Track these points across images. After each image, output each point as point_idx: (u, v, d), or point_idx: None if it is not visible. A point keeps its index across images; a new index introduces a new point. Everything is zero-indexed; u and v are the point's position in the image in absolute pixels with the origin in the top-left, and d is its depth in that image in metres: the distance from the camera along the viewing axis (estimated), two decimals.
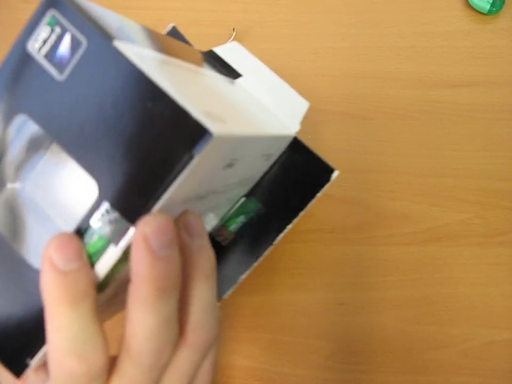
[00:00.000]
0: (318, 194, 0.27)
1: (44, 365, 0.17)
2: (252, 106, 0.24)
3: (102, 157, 0.14)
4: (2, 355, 0.16)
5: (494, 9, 0.41)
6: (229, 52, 0.29)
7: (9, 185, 0.16)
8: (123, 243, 0.14)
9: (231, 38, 0.41)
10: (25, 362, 0.16)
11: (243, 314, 0.34)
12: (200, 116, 0.13)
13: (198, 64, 0.23)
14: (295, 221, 0.27)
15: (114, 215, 0.14)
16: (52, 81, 0.15)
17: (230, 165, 0.17)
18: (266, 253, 0.27)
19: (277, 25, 0.42)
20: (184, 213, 0.16)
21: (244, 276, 0.28)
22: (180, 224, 0.16)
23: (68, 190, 0.15)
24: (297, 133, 0.27)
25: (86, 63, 0.14)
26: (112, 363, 0.16)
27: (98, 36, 0.14)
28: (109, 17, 0.16)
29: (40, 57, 0.15)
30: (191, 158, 0.13)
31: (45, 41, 0.14)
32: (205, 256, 0.16)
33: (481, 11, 0.42)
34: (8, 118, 0.15)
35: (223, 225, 0.27)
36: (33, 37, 0.15)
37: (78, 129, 0.14)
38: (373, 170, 0.38)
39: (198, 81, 0.19)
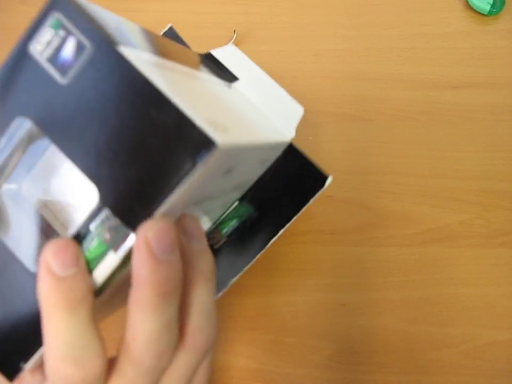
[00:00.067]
0: (311, 201, 0.27)
1: (40, 366, 0.17)
2: (250, 112, 0.24)
3: (104, 163, 0.14)
4: None
5: (494, 10, 0.41)
6: (226, 54, 0.29)
7: (5, 186, 0.16)
8: (123, 249, 0.14)
9: (232, 40, 0.41)
10: (18, 366, 0.16)
11: (245, 316, 0.34)
12: (205, 126, 0.13)
13: (195, 66, 0.23)
14: (287, 226, 0.27)
15: (115, 221, 0.14)
16: (54, 85, 0.14)
17: (228, 172, 0.17)
18: (257, 257, 0.27)
19: (278, 27, 0.42)
20: (183, 216, 0.16)
21: (234, 279, 0.28)
22: (179, 227, 0.16)
23: (65, 193, 0.15)
24: (292, 138, 0.27)
25: (89, 68, 0.14)
26: (110, 364, 0.16)
27: (103, 41, 0.14)
28: (108, 18, 0.16)
29: (42, 60, 0.14)
30: (193, 167, 0.13)
31: (48, 44, 0.14)
32: (204, 259, 0.16)
33: (481, 12, 0.42)
34: (8, 120, 0.15)
35: (215, 228, 0.27)
36: (36, 39, 0.14)
37: (79, 134, 0.14)
38: (374, 172, 0.38)
39: (199, 86, 0.19)
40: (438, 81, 0.40)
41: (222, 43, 0.41)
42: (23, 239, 0.16)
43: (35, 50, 0.14)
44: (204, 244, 0.16)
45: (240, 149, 0.16)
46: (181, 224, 0.16)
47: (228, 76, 0.28)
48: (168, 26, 0.31)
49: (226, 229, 0.27)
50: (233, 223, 0.27)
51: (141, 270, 0.14)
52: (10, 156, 0.15)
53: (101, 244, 0.15)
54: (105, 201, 0.14)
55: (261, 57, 0.41)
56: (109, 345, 0.16)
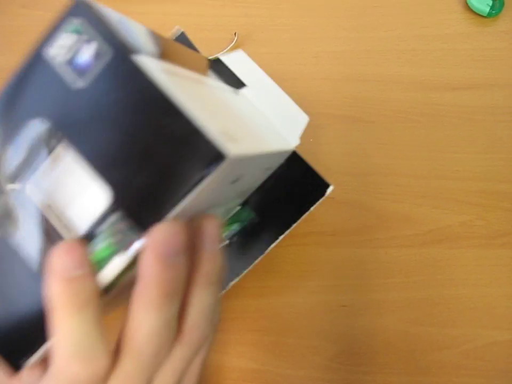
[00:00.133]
0: (312, 208, 0.27)
1: (39, 364, 0.17)
2: (256, 119, 0.24)
3: (117, 166, 0.14)
4: (2, 351, 0.16)
5: (493, 12, 0.41)
6: (234, 60, 0.30)
7: (9, 186, 0.16)
8: (131, 252, 0.15)
9: (233, 43, 0.41)
10: (18, 363, 0.16)
11: (246, 317, 0.35)
12: (216, 137, 0.14)
13: (204, 72, 0.23)
14: (287, 232, 0.27)
15: (125, 224, 0.15)
16: (69, 88, 0.15)
17: (236, 181, 0.18)
18: (257, 261, 0.27)
19: (278, 30, 0.42)
20: (202, 217, 0.16)
21: (233, 282, 0.28)
22: (195, 227, 0.16)
23: (69, 195, 0.15)
24: (296, 147, 0.27)
25: (107, 73, 0.14)
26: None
27: (121, 48, 0.14)
28: (121, 22, 0.16)
29: (58, 63, 0.15)
30: (204, 176, 0.14)
31: (66, 48, 0.15)
32: (212, 262, 0.16)
33: (480, 14, 0.42)
34: (25, 121, 0.15)
35: None
36: (53, 42, 0.15)
37: (94, 137, 0.14)
38: (374, 173, 0.38)
39: (207, 94, 0.19)
40: (438, 83, 0.41)
41: (222, 45, 0.41)
42: (27, 239, 0.16)
43: (52, 54, 0.15)
44: (215, 247, 0.16)
45: (248, 159, 0.16)
46: (198, 224, 0.16)
47: (235, 82, 0.28)
48: (180, 31, 0.31)
49: (228, 233, 0.27)
50: (235, 227, 0.27)
51: (147, 270, 0.14)
52: (27, 157, 0.16)
53: (110, 245, 0.15)
54: (116, 204, 0.14)
55: (261, 59, 0.41)
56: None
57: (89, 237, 0.15)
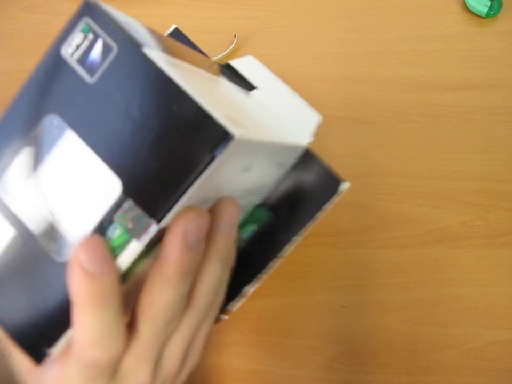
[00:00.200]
0: (328, 206, 0.27)
1: (60, 355, 0.18)
2: (267, 116, 0.24)
3: (127, 156, 0.15)
4: (23, 343, 0.17)
5: (491, 12, 0.42)
6: (244, 65, 0.30)
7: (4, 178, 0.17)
8: (146, 238, 0.15)
9: (233, 45, 0.41)
10: (43, 351, 0.17)
11: (248, 318, 0.35)
12: (223, 119, 0.14)
13: (215, 74, 0.23)
14: (304, 232, 0.27)
15: (138, 211, 0.15)
16: (83, 84, 0.15)
17: (247, 169, 0.18)
18: (275, 265, 0.27)
19: (277, 31, 0.43)
20: (226, 199, 0.18)
21: (253, 289, 0.28)
22: (217, 208, 0.17)
23: (80, 186, 0.16)
24: (309, 144, 0.28)
25: (115, 68, 0.15)
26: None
27: (129, 42, 0.15)
28: (128, 22, 0.17)
29: (72, 61, 0.16)
30: (212, 159, 0.14)
31: (78, 47, 0.15)
32: (226, 243, 0.18)
33: (479, 14, 0.42)
34: (39, 117, 0.16)
35: None
36: (67, 42, 0.16)
37: (104, 129, 0.15)
38: (375, 174, 0.38)
39: (217, 88, 0.20)
40: (438, 83, 0.41)
41: (222, 48, 0.41)
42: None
43: (66, 53, 0.16)
44: (232, 230, 0.18)
45: (256, 144, 0.17)
46: (217, 205, 0.17)
47: (246, 85, 0.29)
48: (173, 27, 0.31)
49: (246, 234, 0.27)
50: (253, 228, 0.27)
51: (171, 251, 0.15)
52: (40, 152, 0.16)
53: (124, 232, 0.15)
54: (128, 192, 0.15)
55: (261, 61, 0.41)
56: None
57: (104, 225, 0.15)
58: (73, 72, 0.16)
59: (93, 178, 0.16)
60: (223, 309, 0.27)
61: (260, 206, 0.27)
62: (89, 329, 0.15)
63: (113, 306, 0.15)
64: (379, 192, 0.38)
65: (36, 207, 0.16)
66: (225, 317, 0.27)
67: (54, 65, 0.16)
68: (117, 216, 0.15)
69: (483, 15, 0.42)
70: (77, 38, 0.15)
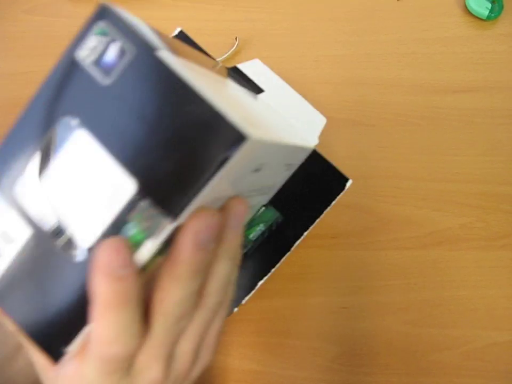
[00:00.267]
0: (333, 202, 0.27)
1: (77, 353, 0.18)
2: (276, 118, 0.25)
3: (142, 156, 0.15)
4: (40, 342, 0.17)
5: (492, 15, 0.42)
6: (251, 68, 0.30)
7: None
8: (161, 237, 0.16)
9: (234, 47, 0.41)
10: (60, 350, 0.17)
11: (249, 319, 0.35)
12: (237, 120, 0.15)
13: (223, 75, 0.24)
14: (311, 227, 0.28)
15: (154, 210, 0.15)
16: (98, 86, 0.16)
17: (258, 170, 0.18)
18: (284, 259, 0.28)
19: (279, 34, 0.43)
20: (235, 199, 0.18)
21: (262, 282, 0.28)
22: (226, 207, 0.18)
23: (94, 186, 0.16)
24: (316, 146, 0.28)
25: (131, 70, 0.16)
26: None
27: (144, 46, 0.15)
28: (132, 20, 0.17)
29: (88, 64, 0.16)
30: (227, 159, 0.15)
31: (93, 50, 0.16)
32: (234, 240, 0.18)
33: (480, 17, 0.42)
34: (54, 119, 0.16)
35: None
36: (83, 45, 0.16)
37: (120, 131, 0.16)
38: (375, 176, 0.38)
39: (226, 90, 0.21)
40: (438, 86, 0.41)
41: (223, 50, 0.42)
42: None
43: (82, 55, 0.16)
44: (240, 228, 0.18)
45: (268, 145, 0.17)
46: (229, 206, 0.18)
47: (253, 88, 0.29)
48: (178, 30, 0.31)
49: (253, 234, 0.28)
50: (260, 228, 0.28)
51: (183, 251, 0.16)
52: (54, 153, 0.17)
53: (140, 231, 0.16)
54: (144, 191, 0.15)
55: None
56: None
57: (119, 224, 0.16)
58: (89, 75, 0.16)
59: (106, 178, 0.16)
60: (238, 303, 0.28)
61: (267, 206, 0.28)
62: (109, 327, 0.16)
63: (133, 306, 0.16)
64: (379, 194, 0.38)
65: (50, 208, 0.17)
66: (235, 309, 0.28)
67: (69, 67, 0.16)
68: (133, 216, 0.16)
69: (484, 18, 0.42)
70: (92, 41, 0.16)
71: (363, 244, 0.37)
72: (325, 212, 0.28)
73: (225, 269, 0.18)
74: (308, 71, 0.41)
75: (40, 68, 0.43)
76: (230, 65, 0.34)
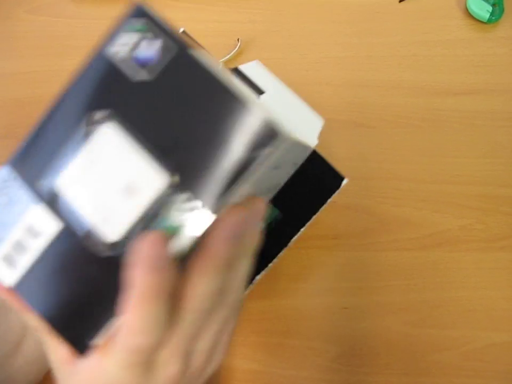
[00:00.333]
0: (329, 200, 0.28)
1: (102, 345, 0.18)
2: (281, 119, 0.25)
3: (181, 150, 0.16)
4: (65, 334, 0.17)
5: (493, 18, 0.42)
6: (251, 70, 0.31)
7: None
8: (199, 229, 0.16)
9: (236, 48, 0.41)
10: (86, 342, 0.17)
11: (250, 319, 0.35)
12: (272, 118, 0.15)
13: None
14: (308, 224, 0.28)
15: (193, 203, 0.16)
16: (133, 81, 0.16)
17: (277, 167, 0.19)
18: (281, 254, 0.28)
19: (281, 35, 0.43)
20: (254, 198, 0.18)
21: (259, 277, 0.29)
22: (250, 207, 0.18)
23: (127, 178, 0.16)
24: (316, 146, 0.28)
25: (172, 67, 0.16)
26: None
27: (184, 44, 0.16)
28: None
29: (120, 61, 0.16)
30: (264, 154, 0.15)
31: (129, 46, 0.16)
32: (253, 237, 0.18)
33: (480, 20, 0.42)
34: (91, 112, 0.17)
35: None
36: (115, 42, 0.16)
37: (158, 125, 0.16)
38: (376, 177, 0.39)
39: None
40: (439, 88, 0.41)
41: (225, 51, 0.42)
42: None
43: (113, 52, 0.16)
44: (259, 225, 0.19)
45: (292, 142, 0.18)
46: (249, 203, 0.18)
47: (255, 89, 0.29)
48: (180, 30, 0.32)
49: None
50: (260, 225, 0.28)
51: (216, 244, 0.16)
52: (87, 147, 0.17)
53: (177, 224, 0.16)
54: (183, 184, 0.16)
55: (264, 64, 0.42)
56: None
57: (155, 216, 0.16)
58: (127, 70, 0.16)
59: (141, 171, 0.16)
60: None
61: (268, 204, 0.28)
62: (143, 317, 0.16)
63: (167, 298, 0.16)
64: (380, 195, 0.38)
65: (79, 201, 0.17)
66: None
67: (101, 63, 0.16)
68: (169, 208, 0.16)
69: (485, 21, 0.42)
70: (125, 38, 0.16)
71: (363, 244, 0.37)
72: (321, 209, 0.28)
73: (245, 266, 0.18)
74: (310, 72, 0.42)
75: (43, 67, 0.43)
76: (232, 66, 0.35)
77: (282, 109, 0.29)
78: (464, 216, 0.38)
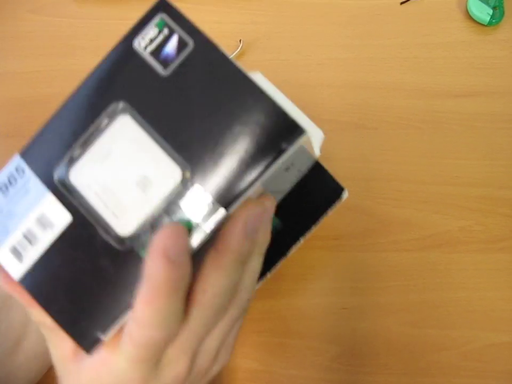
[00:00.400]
0: (329, 212, 0.28)
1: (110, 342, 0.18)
2: None
3: (197, 146, 0.16)
4: (72, 331, 0.17)
5: (493, 20, 0.42)
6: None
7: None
8: (212, 225, 0.16)
9: (238, 50, 0.42)
10: (95, 337, 0.17)
11: (251, 319, 0.35)
12: (291, 114, 0.15)
13: None
14: (308, 235, 0.28)
15: (208, 198, 0.16)
16: (155, 76, 0.16)
17: (287, 169, 0.19)
18: (279, 264, 0.28)
19: (283, 37, 0.43)
20: (267, 197, 0.18)
21: (258, 286, 0.29)
22: (265, 205, 0.18)
23: (117, 179, 0.16)
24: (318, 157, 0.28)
25: (190, 62, 0.16)
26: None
27: (204, 39, 0.16)
28: None
29: (146, 54, 0.16)
30: (284, 150, 0.15)
31: (152, 40, 0.16)
32: (265, 236, 0.18)
33: (481, 22, 0.43)
34: (108, 104, 0.17)
35: None
36: (141, 36, 0.16)
37: (175, 120, 0.16)
38: (376, 179, 0.39)
39: None
40: (440, 90, 0.41)
41: (228, 52, 0.42)
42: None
43: (139, 46, 0.16)
44: (270, 224, 0.18)
45: (307, 144, 0.18)
46: (263, 201, 0.18)
47: None
48: None
49: None
50: None
51: (232, 239, 0.16)
52: (102, 139, 0.17)
53: (191, 219, 0.16)
54: (197, 179, 0.16)
55: (266, 66, 0.42)
56: None
57: (170, 210, 0.16)
58: (146, 64, 0.16)
59: (155, 165, 0.16)
60: None
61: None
62: (157, 311, 0.16)
63: (182, 293, 0.16)
64: (380, 196, 0.38)
65: (95, 194, 0.16)
66: None
67: (126, 56, 0.16)
68: (184, 203, 0.16)
69: (485, 23, 0.42)
70: (151, 32, 0.16)
71: (364, 245, 0.37)
72: (321, 221, 0.28)
73: (256, 265, 0.18)
74: (311, 74, 0.42)
75: (45, 67, 0.43)
76: None
77: None
78: (464, 217, 0.38)
